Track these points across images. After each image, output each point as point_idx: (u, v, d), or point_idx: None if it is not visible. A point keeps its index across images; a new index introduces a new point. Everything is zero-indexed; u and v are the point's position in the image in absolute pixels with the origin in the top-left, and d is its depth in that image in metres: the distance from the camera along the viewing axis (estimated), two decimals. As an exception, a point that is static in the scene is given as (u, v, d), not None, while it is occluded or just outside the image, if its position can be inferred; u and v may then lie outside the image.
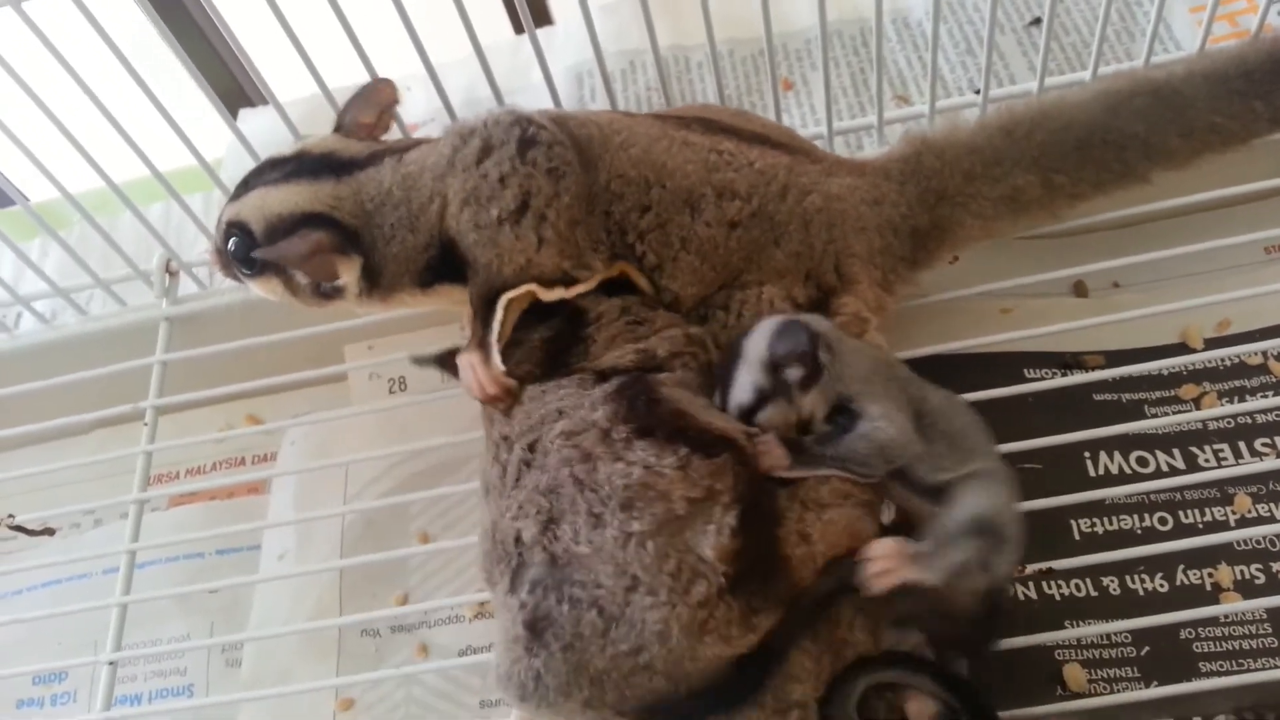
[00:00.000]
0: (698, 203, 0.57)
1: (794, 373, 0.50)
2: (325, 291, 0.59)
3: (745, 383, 0.51)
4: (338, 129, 0.61)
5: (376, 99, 0.62)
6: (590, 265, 0.57)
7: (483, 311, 0.56)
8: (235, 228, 0.59)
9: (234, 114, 0.94)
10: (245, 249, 0.58)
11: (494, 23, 1.01)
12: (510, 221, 0.54)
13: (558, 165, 0.55)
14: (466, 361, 0.55)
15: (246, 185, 0.60)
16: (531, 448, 0.51)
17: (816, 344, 0.50)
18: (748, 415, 0.51)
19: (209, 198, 0.89)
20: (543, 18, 1.02)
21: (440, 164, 0.56)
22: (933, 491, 0.50)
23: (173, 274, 0.76)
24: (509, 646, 0.48)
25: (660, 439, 0.48)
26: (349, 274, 0.58)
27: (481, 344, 0.56)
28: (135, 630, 0.68)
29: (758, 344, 0.51)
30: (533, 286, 0.56)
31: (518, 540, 0.49)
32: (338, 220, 0.57)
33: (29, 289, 0.79)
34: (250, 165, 0.63)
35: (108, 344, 0.76)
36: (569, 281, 0.56)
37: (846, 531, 0.49)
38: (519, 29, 0.99)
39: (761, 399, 0.51)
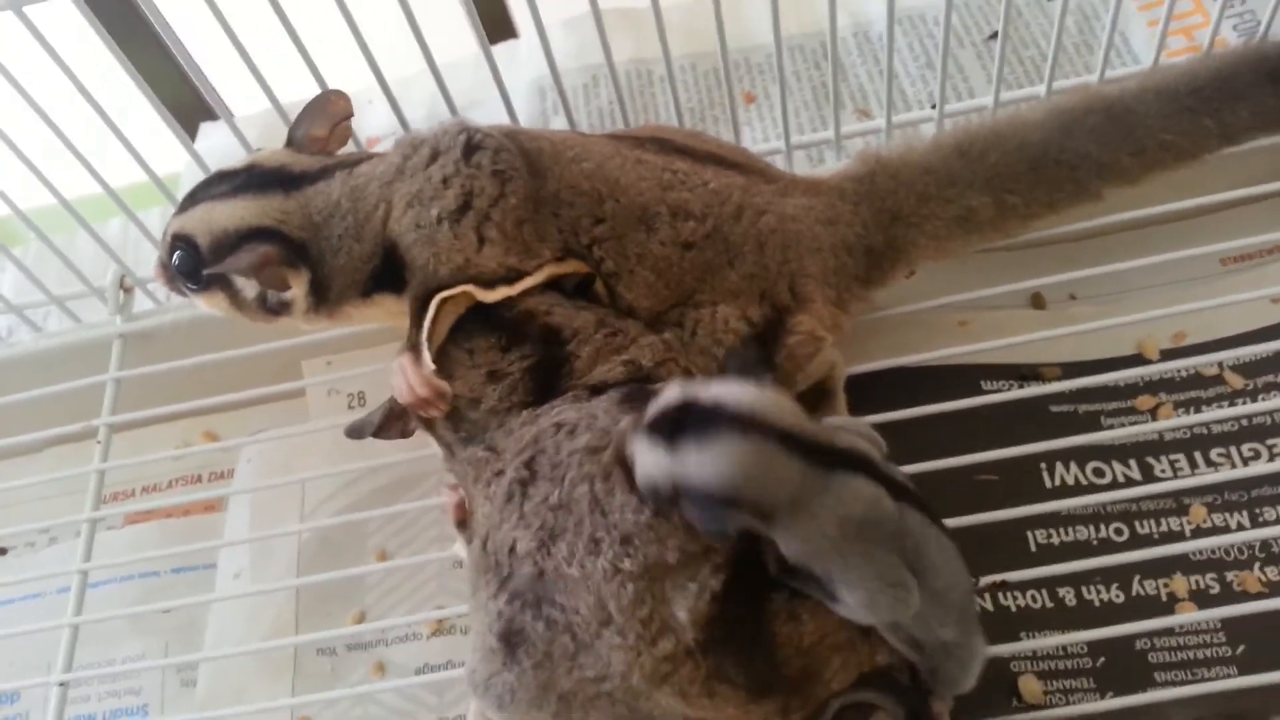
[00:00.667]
0: (652, 220, 0.57)
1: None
2: (272, 307, 0.59)
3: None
4: (290, 143, 0.61)
5: (329, 111, 0.61)
6: (539, 255, 0.56)
7: (417, 313, 0.55)
8: (180, 241, 0.58)
9: (195, 127, 0.94)
10: (191, 263, 0.58)
11: (461, 36, 1.01)
12: (450, 220, 0.54)
13: (504, 169, 0.55)
14: (398, 364, 0.55)
15: (193, 199, 0.59)
16: (529, 465, 0.50)
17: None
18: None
19: (166, 213, 0.88)
20: (508, 31, 1.01)
21: (389, 172, 0.57)
22: (916, 644, 0.47)
23: (127, 290, 0.76)
24: (486, 656, 0.48)
25: None
26: (298, 287, 0.58)
27: (413, 345, 0.55)
28: (89, 649, 0.68)
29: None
30: (469, 287, 0.55)
31: (512, 550, 0.49)
32: (285, 234, 0.56)
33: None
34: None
35: (63, 361, 0.75)
36: (514, 278, 0.56)
37: (839, 621, 0.47)
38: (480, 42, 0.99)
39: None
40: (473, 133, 0.56)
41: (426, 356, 0.55)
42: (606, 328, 0.56)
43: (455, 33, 0.75)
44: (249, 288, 0.59)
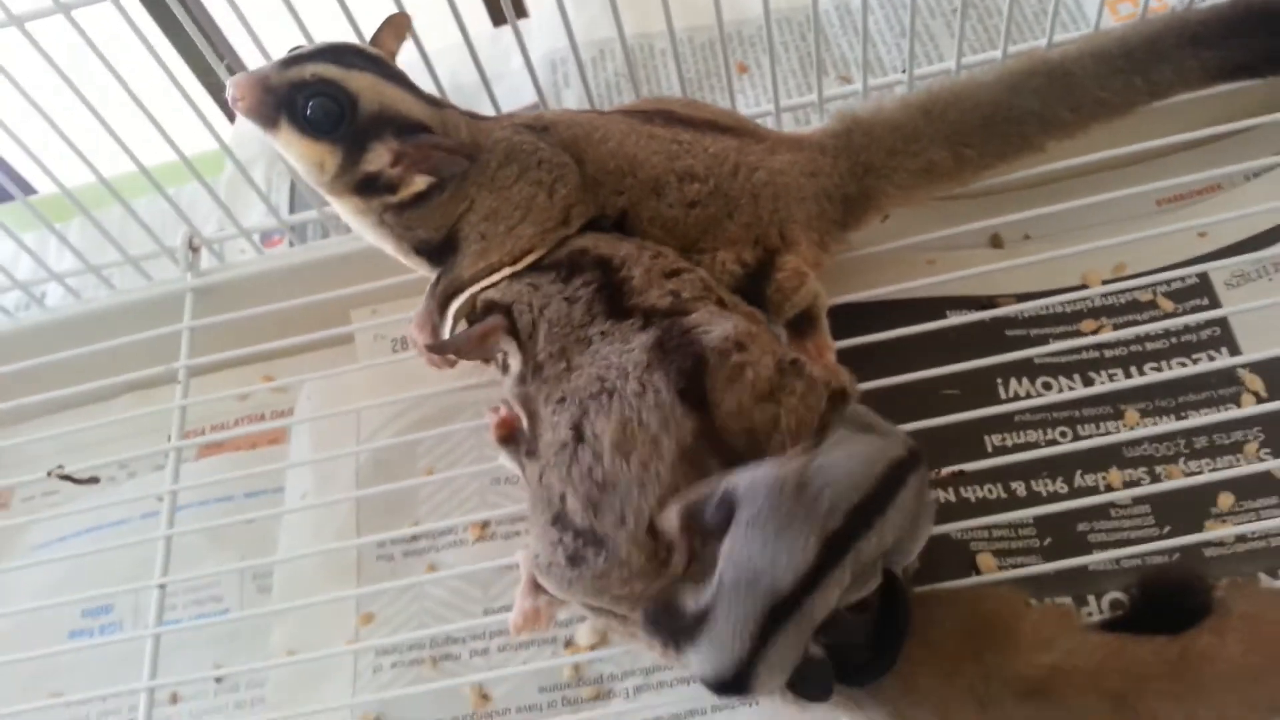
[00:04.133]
0: (662, 189, 0.65)
1: None
2: (374, 187, 0.62)
3: None
4: None
5: (400, 27, 0.67)
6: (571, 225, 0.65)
7: (441, 303, 0.66)
8: (335, 90, 0.59)
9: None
10: (333, 114, 0.59)
11: (474, 16, 1.10)
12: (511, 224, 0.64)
13: (561, 175, 0.64)
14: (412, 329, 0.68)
15: (345, 61, 0.60)
16: (576, 428, 0.54)
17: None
18: None
19: (215, 182, 0.98)
20: (519, 10, 1.10)
21: (483, 171, 0.64)
22: None
23: (195, 250, 0.85)
24: (552, 560, 0.55)
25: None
26: (416, 189, 0.63)
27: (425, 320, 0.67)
28: (172, 569, 0.76)
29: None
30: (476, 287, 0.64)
31: (563, 500, 0.54)
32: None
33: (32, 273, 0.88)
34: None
35: (135, 315, 0.84)
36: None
37: None
38: (497, 21, 1.07)
39: None
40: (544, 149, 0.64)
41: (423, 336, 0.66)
42: (649, 250, 0.62)
43: (468, 13, 0.84)
44: (376, 164, 0.61)
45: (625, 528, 0.51)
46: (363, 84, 0.60)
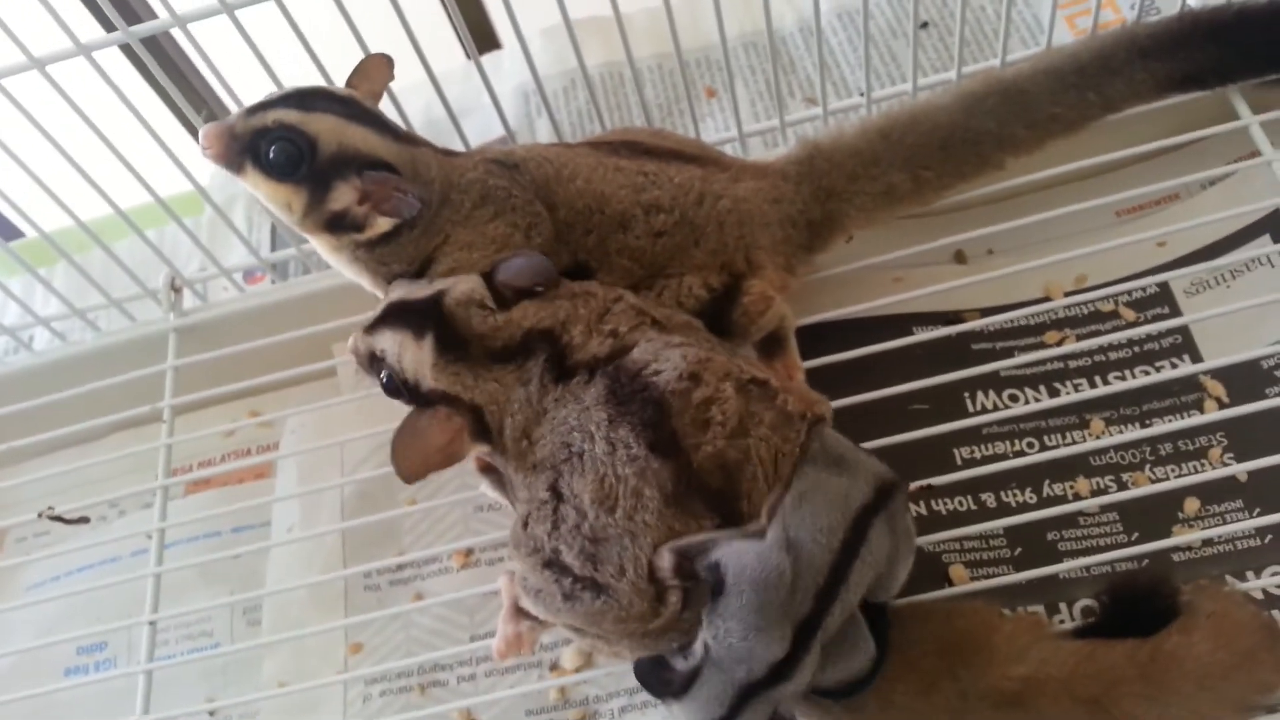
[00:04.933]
0: (629, 222, 0.66)
1: None
2: (342, 225, 0.64)
3: None
4: None
5: (373, 70, 0.68)
6: None
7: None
8: (293, 134, 0.61)
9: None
10: (292, 157, 0.61)
11: (446, 49, 1.12)
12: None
13: (535, 222, 0.65)
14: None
15: (307, 104, 0.62)
16: (554, 488, 0.54)
17: None
18: None
19: (196, 222, 1.00)
20: (491, 43, 1.12)
21: (460, 210, 0.65)
22: None
23: (177, 290, 0.86)
24: (542, 589, 0.56)
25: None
26: (383, 228, 0.63)
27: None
28: (162, 605, 0.77)
29: None
30: None
31: (556, 553, 0.54)
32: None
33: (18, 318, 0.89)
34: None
35: (121, 356, 0.86)
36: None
37: None
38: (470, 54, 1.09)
39: None
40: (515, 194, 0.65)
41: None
42: (579, 299, 0.60)
43: (441, 48, 0.86)
44: (341, 202, 0.63)
45: (626, 577, 0.53)
46: (322, 126, 0.62)
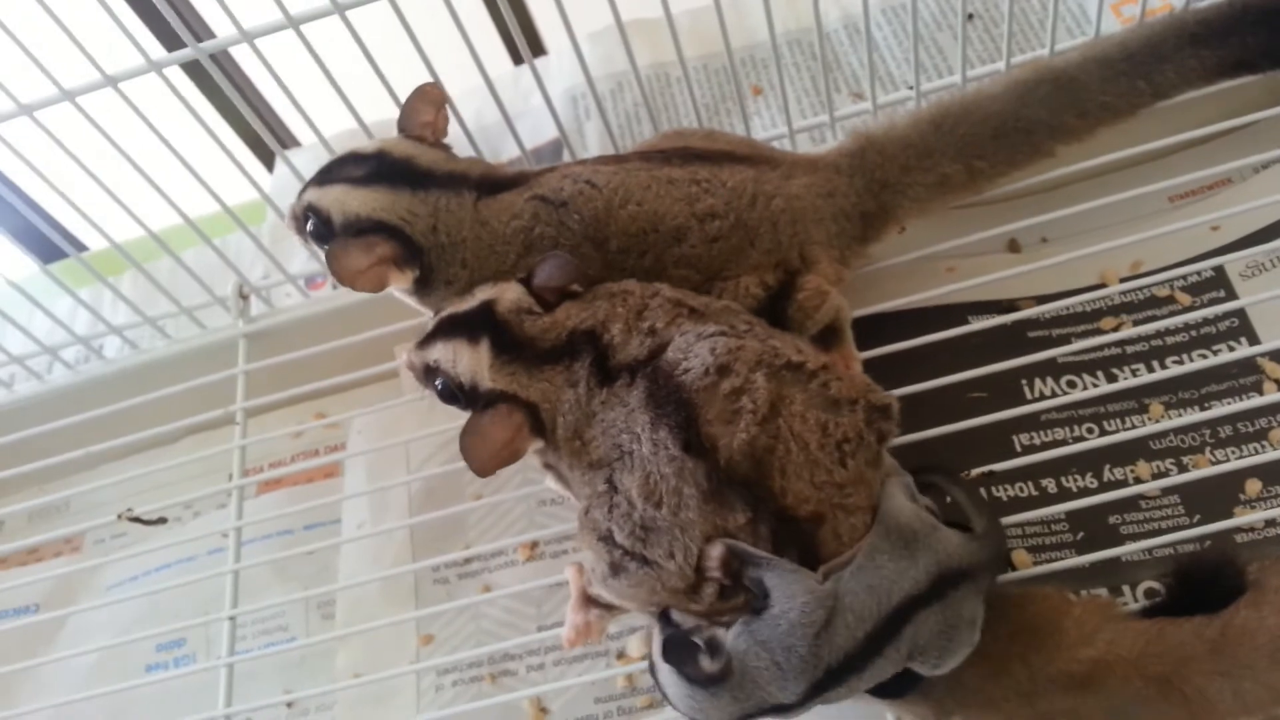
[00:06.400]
0: (684, 234, 0.66)
1: None
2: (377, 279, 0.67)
3: None
4: (401, 131, 0.70)
5: (431, 99, 0.71)
6: None
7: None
8: (314, 212, 0.67)
9: (272, 157, 1.08)
10: (323, 232, 0.67)
11: (494, 56, 1.14)
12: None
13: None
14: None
15: (329, 175, 0.68)
16: (610, 481, 0.57)
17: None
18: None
19: (259, 229, 1.03)
20: (537, 49, 1.14)
21: (512, 243, 0.67)
22: None
23: (245, 297, 0.89)
24: (594, 566, 0.59)
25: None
26: (401, 283, 0.67)
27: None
28: (240, 601, 0.80)
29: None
30: None
31: (610, 533, 0.57)
32: (407, 235, 0.66)
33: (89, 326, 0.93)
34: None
35: (192, 362, 0.89)
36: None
37: None
38: (517, 61, 1.11)
39: None
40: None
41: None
42: (617, 298, 0.61)
43: (489, 56, 0.87)
44: (360, 262, 0.66)
45: (675, 560, 0.55)
46: (331, 198, 0.67)
